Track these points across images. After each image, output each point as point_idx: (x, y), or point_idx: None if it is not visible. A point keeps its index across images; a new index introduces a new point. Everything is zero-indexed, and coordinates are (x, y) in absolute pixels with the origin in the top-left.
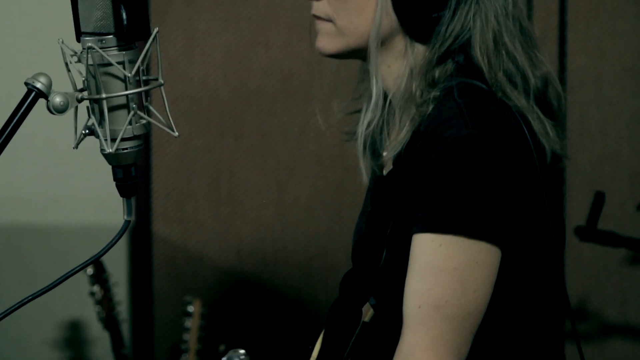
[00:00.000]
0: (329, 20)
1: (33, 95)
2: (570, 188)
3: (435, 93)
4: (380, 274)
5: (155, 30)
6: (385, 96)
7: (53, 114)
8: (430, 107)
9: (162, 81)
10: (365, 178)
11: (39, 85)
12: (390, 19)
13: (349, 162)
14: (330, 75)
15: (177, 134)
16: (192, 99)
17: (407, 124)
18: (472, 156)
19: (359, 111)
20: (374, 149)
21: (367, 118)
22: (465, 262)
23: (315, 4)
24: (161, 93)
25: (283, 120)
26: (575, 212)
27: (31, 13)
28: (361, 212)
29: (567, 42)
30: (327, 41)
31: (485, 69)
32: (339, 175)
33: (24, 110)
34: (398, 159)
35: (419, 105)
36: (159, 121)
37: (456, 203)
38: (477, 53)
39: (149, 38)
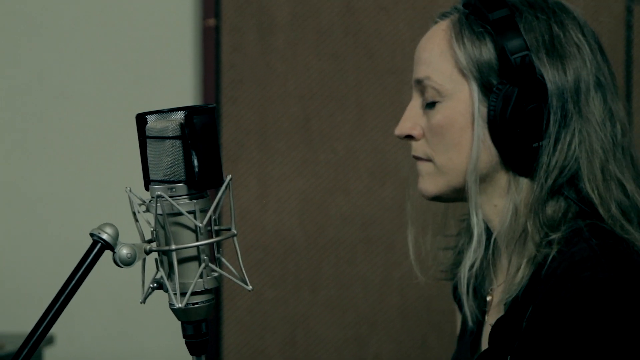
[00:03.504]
0: (429, 159)
1: (99, 246)
2: None
3: (560, 235)
4: None
5: (229, 177)
6: (489, 235)
7: (120, 266)
8: (555, 250)
9: (235, 231)
10: (470, 322)
11: (105, 236)
12: (490, 153)
13: (435, 317)
14: (432, 214)
15: (250, 287)
16: (265, 248)
17: (522, 266)
18: (610, 300)
19: (451, 248)
20: (475, 291)
21: (469, 260)
22: None
23: (414, 144)
24: (234, 243)
25: (363, 270)
26: None
27: (98, 160)
28: None
29: None
30: (429, 182)
31: (597, 202)
32: (424, 330)
33: (89, 263)
34: (514, 303)
35: (538, 245)
36: (232, 274)
37: (585, 345)
38: (587, 186)
39: (221, 186)
